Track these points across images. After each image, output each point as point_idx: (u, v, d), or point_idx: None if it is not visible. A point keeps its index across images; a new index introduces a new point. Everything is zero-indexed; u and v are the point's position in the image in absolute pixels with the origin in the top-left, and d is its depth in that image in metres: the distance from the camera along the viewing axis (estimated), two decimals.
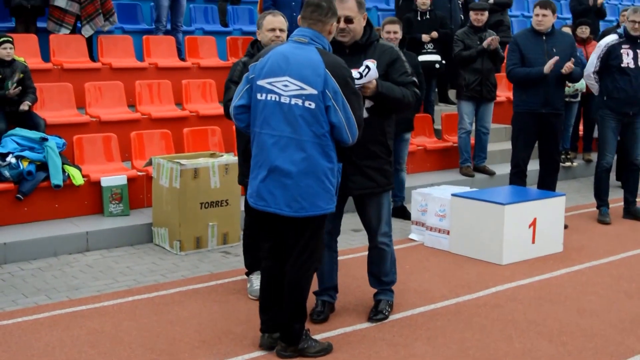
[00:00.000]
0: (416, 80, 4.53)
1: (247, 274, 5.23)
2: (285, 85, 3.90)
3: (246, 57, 5.02)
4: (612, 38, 7.23)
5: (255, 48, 5.04)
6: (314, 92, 3.85)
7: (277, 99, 3.91)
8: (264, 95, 3.95)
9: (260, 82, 3.96)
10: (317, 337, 4.35)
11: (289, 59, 3.92)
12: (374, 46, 4.49)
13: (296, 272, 4.09)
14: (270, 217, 4.07)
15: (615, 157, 7.92)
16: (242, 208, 5.26)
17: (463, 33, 8.49)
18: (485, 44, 8.22)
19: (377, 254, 4.77)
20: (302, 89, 3.87)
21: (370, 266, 4.86)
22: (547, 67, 6.64)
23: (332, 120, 3.89)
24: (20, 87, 6.79)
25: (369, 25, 4.51)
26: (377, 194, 4.58)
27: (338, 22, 4.29)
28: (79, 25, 8.55)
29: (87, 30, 8.49)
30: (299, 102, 3.88)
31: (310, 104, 3.87)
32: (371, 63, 4.21)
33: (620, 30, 7.31)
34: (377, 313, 4.77)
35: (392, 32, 6.96)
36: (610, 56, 7.09)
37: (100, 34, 8.84)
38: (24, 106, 6.78)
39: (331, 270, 4.79)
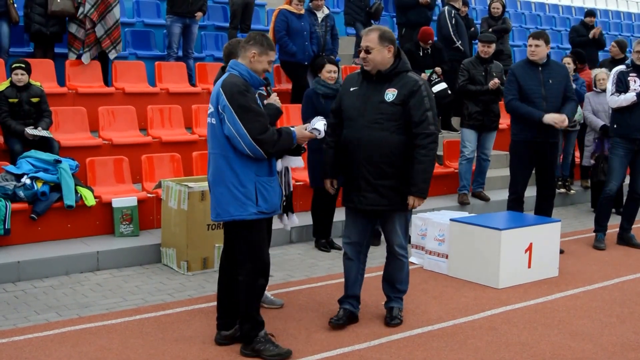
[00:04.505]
0: (430, 115, 4.71)
1: None
2: (209, 109, 4.43)
3: None
4: (620, 67, 7.52)
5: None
6: (212, 109, 4.36)
7: (209, 121, 4.44)
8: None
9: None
10: (315, 357, 4.52)
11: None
12: (399, 77, 4.75)
13: (238, 276, 4.49)
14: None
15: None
16: None
17: (470, 63, 8.57)
18: (491, 85, 8.33)
19: (393, 261, 5.09)
20: (210, 108, 4.40)
21: (386, 273, 5.15)
22: (549, 118, 6.64)
23: (225, 133, 4.29)
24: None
25: (398, 57, 4.78)
26: (392, 212, 4.88)
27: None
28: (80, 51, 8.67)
29: (86, 58, 8.58)
30: (211, 120, 4.39)
31: (213, 121, 4.37)
32: (321, 124, 4.56)
33: (628, 61, 7.56)
34: (393, 318, 5.05)
35: None
36: (620, 83, 7.29)
37: (112, 60, 9.02)
38: (35, 131, 6.94)
39: (355, 281, 5.08)
